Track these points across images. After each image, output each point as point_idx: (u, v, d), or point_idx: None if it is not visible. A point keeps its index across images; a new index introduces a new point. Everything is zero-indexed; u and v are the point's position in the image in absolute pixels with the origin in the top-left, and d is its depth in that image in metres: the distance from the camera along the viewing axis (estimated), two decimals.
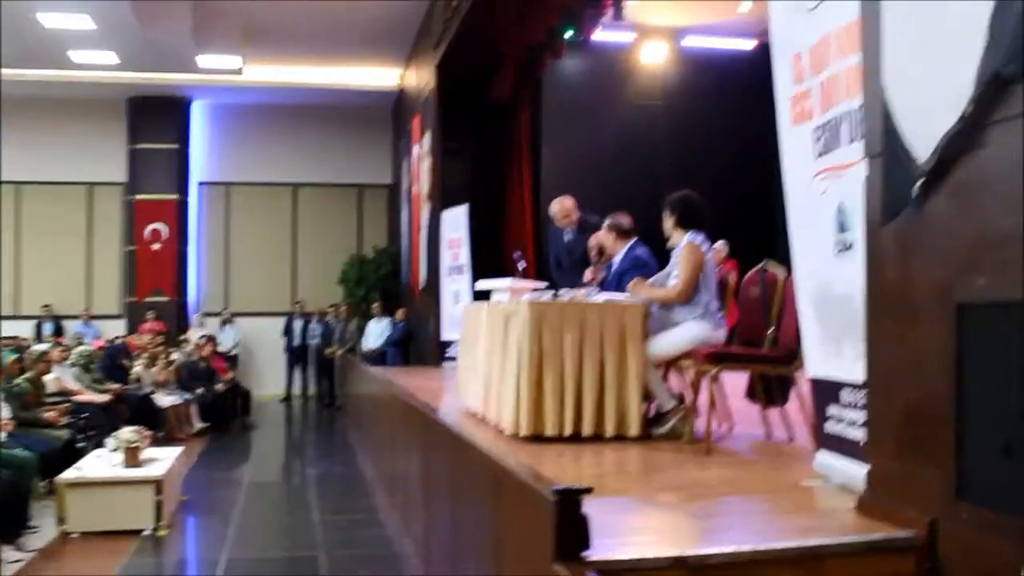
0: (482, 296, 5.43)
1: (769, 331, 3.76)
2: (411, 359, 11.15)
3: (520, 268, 5.54)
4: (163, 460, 5.75)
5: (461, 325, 5.30)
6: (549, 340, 3.74)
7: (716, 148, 10.85)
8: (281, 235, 14.28)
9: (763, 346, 3.80)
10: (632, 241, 4.74)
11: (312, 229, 14.33)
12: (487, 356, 4.31)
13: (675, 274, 3.95)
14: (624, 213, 4.79)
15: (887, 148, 2.21)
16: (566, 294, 4.08)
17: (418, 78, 11.62)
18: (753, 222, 9.98)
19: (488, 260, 9.49)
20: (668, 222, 4.01)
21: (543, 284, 5.09)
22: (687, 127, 11.15)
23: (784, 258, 3.29)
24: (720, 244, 8.31)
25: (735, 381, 4.14)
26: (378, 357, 11.27)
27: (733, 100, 10.71)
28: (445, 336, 9.67)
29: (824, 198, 2.69)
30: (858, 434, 2.56)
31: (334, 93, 13.34)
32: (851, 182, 2.53)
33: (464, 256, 9.43)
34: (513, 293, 4.61)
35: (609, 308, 3.81)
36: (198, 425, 9.72)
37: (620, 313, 3.81)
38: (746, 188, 10.36)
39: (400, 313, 11.89)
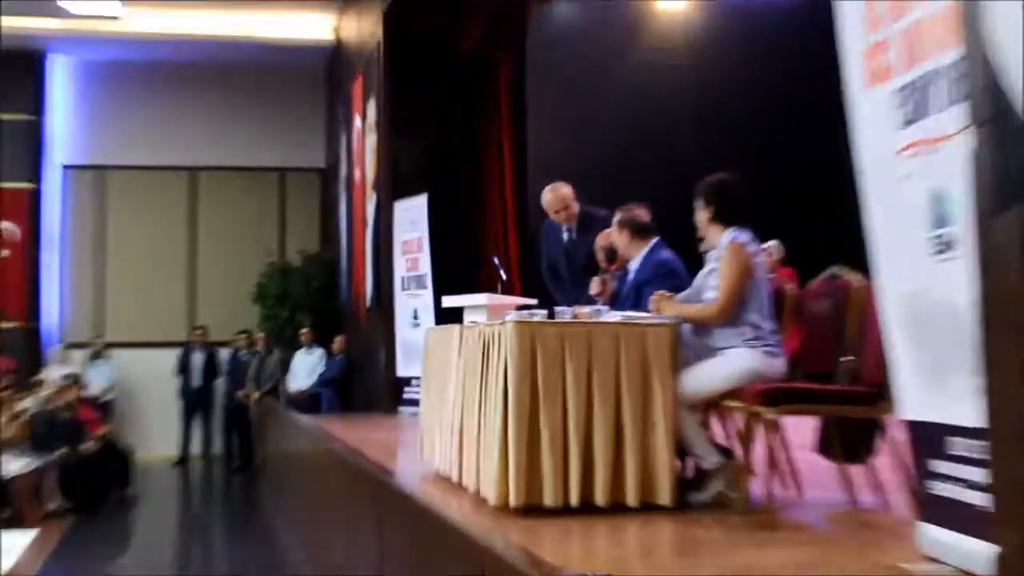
0: (451, 317, 5.48)
1: (844, 359, 3.79)
2: (354, 403, 11.18)
3: (502, 279, 5.55)
4: (7, 552, 5.63)
5: (423, 356, 5.34)
6: (546, 375, 3.76)
7: (760, 118, 10.89)
8: (174, 237, 14.27)
9: (837, 380, 3.82)
10: (653, 241, 4.79)
11: (217, 229, 14.34)
12: (460, 398, 4.35)
13: (713, 285, 3.96)
14: (640, 205, 4.85)
15: (997, 113, 2.18)
16: (565, 312, 4.09)
17: (359, 28, 11.65)
18: (814, 215, 10.03)
19: (457, 268, 9.55)
20: (702, 215, 4.03)
21: (532, 300, 5.14)
22: (720, 91, 11.16)
23: (858, 261, 3.31)
24: (773, 245, 8.37)
25: (801, 428, 4.14)
26: (309, 401, 11.23)
27: (782, 55, 10.70)
28: (401, 371, 9.74)
29: (912, 181, 2.66)
30: (976, 498, 2.51)
31: (246, 47, 13.33)
32: (949, 160, 2.47)
33: (424, 263, 9.51)
34: (492, 312, 4.67)
35: (626, 331, 3.84)
36: (57, 502, 9.61)
37: (641, 338, 3.84)
38: (803, 171, 10.40)
39: (338, 342, 11.89)
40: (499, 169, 10.34)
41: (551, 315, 4.11)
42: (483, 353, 4.06)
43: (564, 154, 10.25)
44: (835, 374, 3.84)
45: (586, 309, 4.21)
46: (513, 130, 10.37)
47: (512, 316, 4.12)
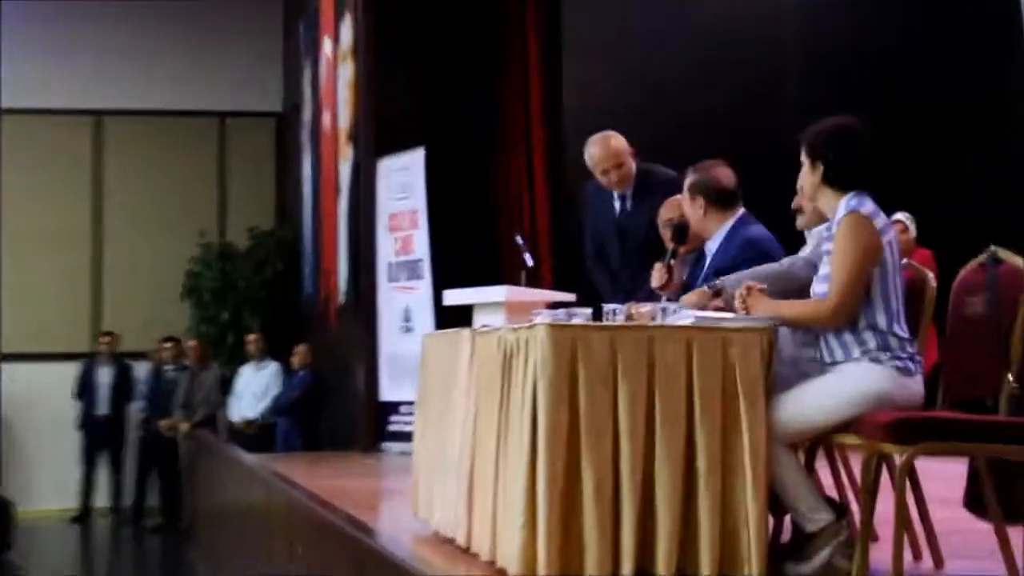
0: (456, 319, 5.52)
1: (1009, 378, 3.78)
2: (322, 438, 11.26)
3: (527, 265, 5.64)
4: None
5: (419, 374, 5.34)
6: (590, 399, 3.76)
7: (883, 58, 10.83)
8: (72, 206, 14.34)
9: (997, 409, 3.81)
10: (738, 213, 4.82)
11: (131, 196, 14.40)
12: (471, 431, 4.35)
13: (823, 274, 3.96)
14: (721, 163, 4.88)
15: None
16: (618, 312, 4.11)
17: None
18: (953, 181, 10.01)
19: (465, 252, 9.54)
20: (809, 176, 4.03)
21: (569, 295, 5.21)
22: (830, 22, 11.08)
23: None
24: (903, 217, 8.33)
25: (943, 475, 4.13)
26: (260, 435, 11.31)
27: None
28: (387, 394, 9.80)
29: None
30: None
31: None
32: None
33: (420, 244, 9.55)
34: (513, 312, 4.69)
35: (702, 339, 3.85)
36: None
37: (723, 348, 3.84)
38: (935, 118, 10.37)
39: (300, 353, 11.94)
40: (524, 115, 10.36)
41: (597, 315, 4.13)
42: (503, 370, 4.06)
43: (612, 98, 10.22)
44: (992, 400, 3.86)
45: (646, 307, 4.20)
46: (544, 63, 10.39)
47: (543, 317, 4.12)
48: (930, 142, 10.21)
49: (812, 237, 4.49)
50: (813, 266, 4.20)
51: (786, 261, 4.42)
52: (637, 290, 5.65)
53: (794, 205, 4.46)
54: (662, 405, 3.79)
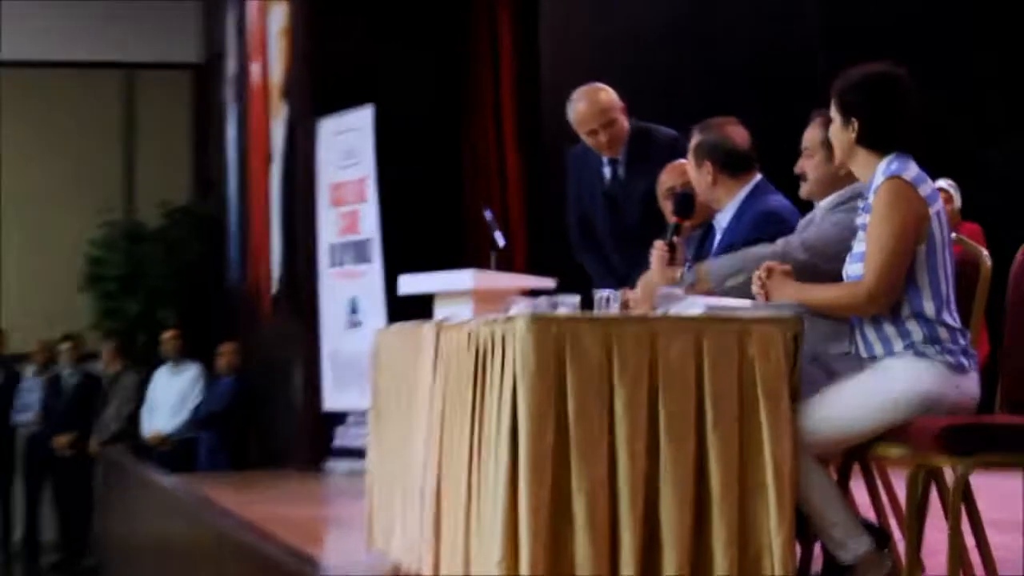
0: (414, 310, 5.52)
1: None
2: (253, 455, 11.23)
3: (497, 245, 5.66)
4: None
5: (371, 376, 5.37)
6: (581, 404, 3.76)
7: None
8: None
9: None
10: (754, 180, 4.84)
11: (20, 163, 14.32)
12: (437, 444, 4.36)
13: (859, 251, 3.96)
14: (732, 122, 4.88)
15: None
16: (612, 300, 4.12)
17: None
18: (1001, 144, 10.03)
19: (424, 230, 9.60)
20: (842, 137, 4.03)
21: (548, 281, 5.21)
22: None
23: None
24: (946, 185, 8.36)
25: (1003, 494, 4.21)
26: (178, 452, 11.26)
27: None
28: (331, 402, 9.85)
29: None
30: None
31: None
32: None
33: (369, 221, 9.59)
34: (482, 301, 4.72)
35: (714, 331, 3.87)
36: None
37: (739, 342, 3.86)
38: (979, 73, 10.41)
39: (226, 354, 11.88)
40: (493, 68, 10.37)
41: (587, 305, 4.12)
42: (476, 371, 4.05)
43: (597, 51, 10.23)
44: None
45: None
46: (517, 8, 10.39)
47: (521, 307, 4.11)
48: (973, 101, 10.25)
49: (818, 211, 4.47)
50: (816, 250, 4.21)
51: (781, 243, 4.39)
52: (632, 274, 5.59)
53: (797, 169, 4.45)
54: (667, 413, 3.79)
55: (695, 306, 4.00)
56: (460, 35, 10.52)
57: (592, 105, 5.98)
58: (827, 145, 4.44)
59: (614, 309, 4.08)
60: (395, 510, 4.82)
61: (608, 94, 6.02)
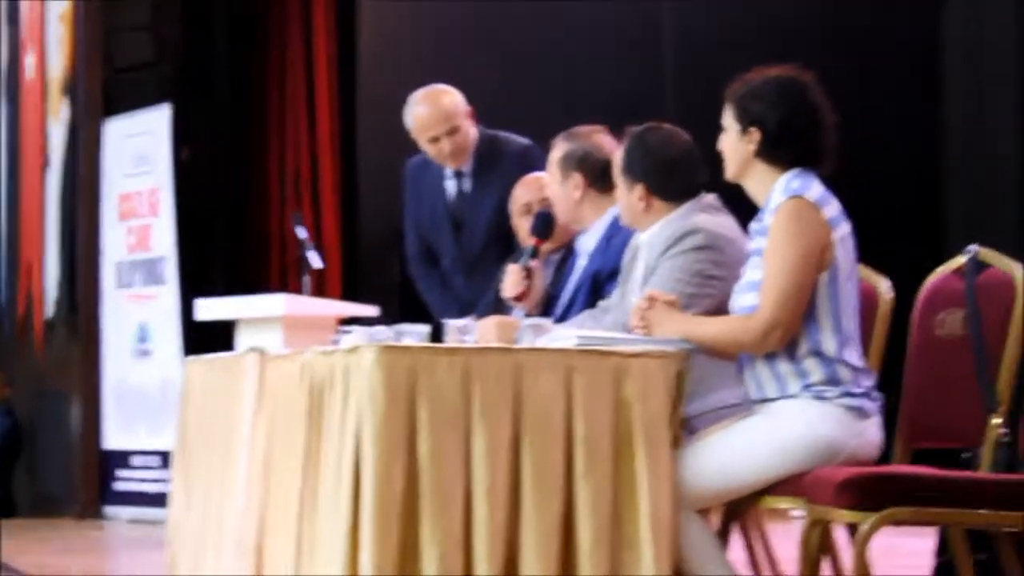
0: (212, 339, 5.56)
1: (994, 421, 3.83)
2: (23, 500, 10.92)
3: (311, 267, 5.72)
4: None
5: (179, 410, 5.28)
6: (435, 452, 3.73)
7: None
8: None
9: (974, 462, 3.87)
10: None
11: None
12: (259, 490, 4.33)
13: (752, 280, 3.95)
14: (601, 130, 4.87)
15: None
16: (466, 329, 4.12)
17: None
18: (917, 160, 10.18)
19: (224, 248, 9.77)
20: (739, 149, 4.01)
21: (369, 309, 5.23)
22: None
23: (1011, 240, 3.37)
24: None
25: (903, 551, 4.17)
26: None
27: None
28: (112, 441, 9.75)
29: None
30: None
31: None
32: None
33: (163, 237, 9.49)
34: (293, 330, 4.75)
35: (588, 368, 3.86)
36: None
37: (614, 380, 3.86)
38: (897, 80, 10.59)
39: None
40: (306, 64, 10.37)
41: (436, 336, 4.11)
42: (310, 409, 4.03)
43: (427, 44, 10.14)
44: (970, 452, 3.94)
45: (503, 323, 4.31)
46: None
47: (359, 337, 4.09)
48: (870, 113, 10.42)
49: (641, 251, 4.42)
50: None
51: (600, 307, 4.43)
52: (477, 300, 5.66)
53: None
54: (532, 459, 3.77)
55: (566, 338, 3.96)
56: (267, 27, 10.50)
57: (434, 109, 5.90)
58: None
59: (469, 341, 4.04)
60: (204, 567, 4.70)
61: (452, 97, 5.94)
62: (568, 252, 5.01)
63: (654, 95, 9.33)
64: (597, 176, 4.71)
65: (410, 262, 6.20)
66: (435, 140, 5.90)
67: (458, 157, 5.93)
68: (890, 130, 9.49)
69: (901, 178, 9.51)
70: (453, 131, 5.87)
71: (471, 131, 5.94)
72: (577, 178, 4.75)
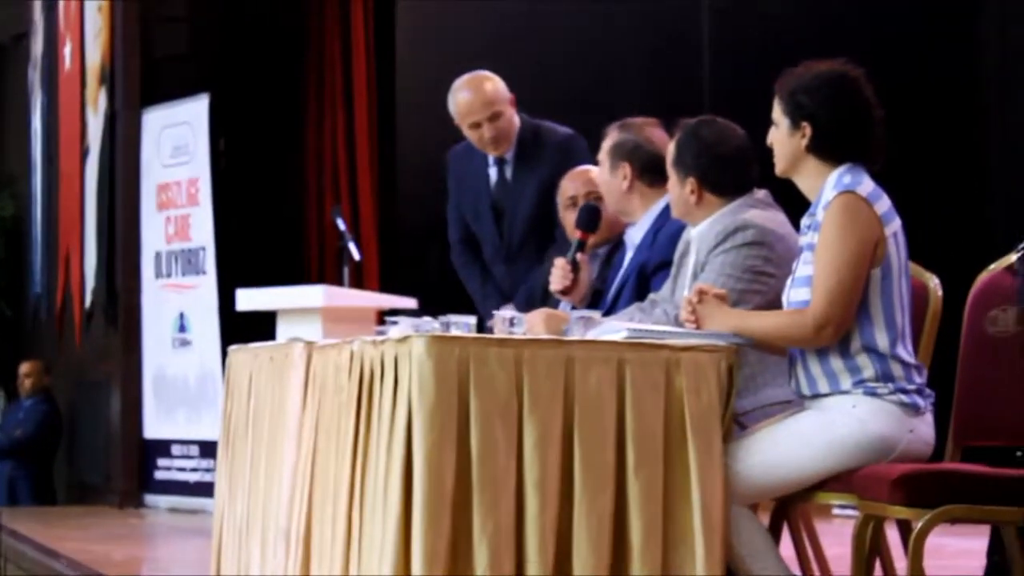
0: (252, 329, 5.51)
1: None
2: (61, 489, 11.03)
3: (352, 258, 5.84)
4: None
5: (224, 401, 5.28)
6: (486, 443, 3.71)
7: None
8: None
9: None
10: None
11: None
12: (307, 480, 4.31)
13: (804, 275, 3.94)
14: (655, 123, 4.85)
15: None
16: (515, 321, 4.09)
17: None
18: (954, 154, 10.12)
19: (263, 239, 9.71)
20: (789, 144, 3.99)
21: (408, 301, 5.28)
22: None
23: None
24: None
25: (956, 551, 4.16)
26: None
27: None
28: (152, 430, 9.78)
29: None
30: None
31: None
32: None
33: (202, 227, 9.50)
34: (332, 321, 4.78)
35: (639, 361, 3.84)
36: None
37: (666, 375, 3.84)
38: (933, 82, 10.53)
39: (28, 374, 11.64)
40: (343, 56, 10.35)
41: (481, 327, 4.15)
42: (359, 398, 3.99)
43: (468, 35, 10.12)
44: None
45: (547, 314, 4.32)
46: None
47: (406, 327, 4.07)
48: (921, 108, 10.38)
49: (692, 245, 4.41)
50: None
51: (661, 299, 4.40)
52: (515, 290, 5.69)
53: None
54: (583, 452, 3.75)
55: (617, 330, 3.95)
56: (306, 17, 10.52)
57: (476, 95, 5.92)
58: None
59: (519, 332, 4.03)
60: (250, 557, 4.70)
61: (495, 83, 5.97)
62: (615, 247, 5.01)
63: (691, 89, 9.31)
64: (646, 168, 4.71)
65: (452, 249, 6.22)
66: (476, 126, 5.92)
67: (500, 144, 5.95)
68: (935, 126, 9.46)
69: (947, 175, 9.48)
70: (495, 117, 5.89)
71: (513, 118, 5.96)
72: (626, 168, 4.74)
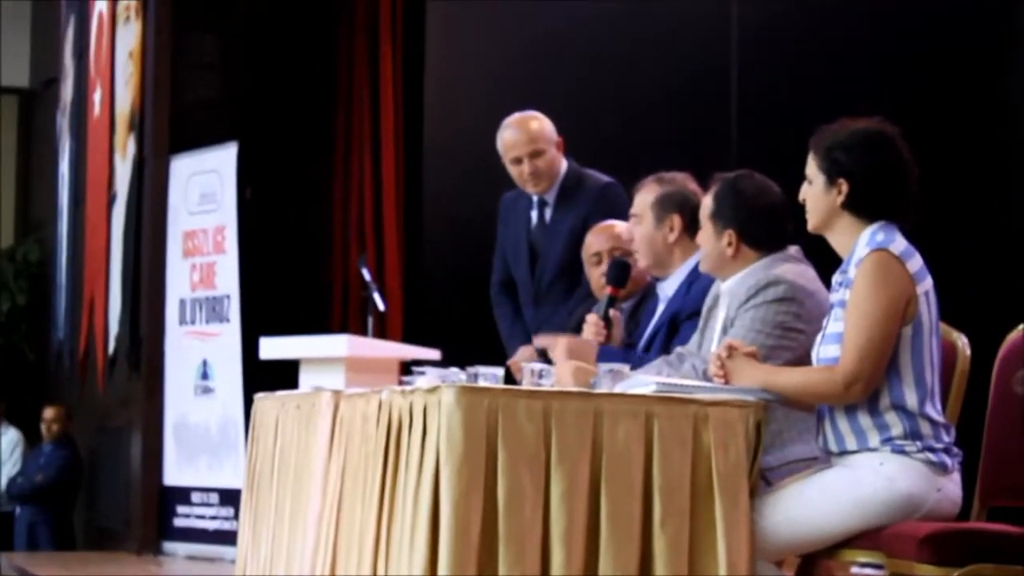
0: (275, 378, 5.52)
1: None
2: (82, 534, 11.00)
3: (376, 308, 5.89)
4: None
5: (248, 446, 5.29)
6: (513, 494, 3.70)
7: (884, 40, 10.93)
8: None
9: None
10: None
11: None
12: (331, 527, 4.31)
13: (835, 331, 3.94)
14: (689, 177, 4.86)
15: None
16: (543, 374, 4.09)
17: None
18: (994, 209, 10.07)
19: (288, 287, 9.68)
20: (824, 200, 3.99)
21: (431, 352, 5.26)
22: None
23: None
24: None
25: None
26: None
27: None
28: (173, 477, 9.75)
29: None
30: None
31: None
32: None
33: (228, 275, 9.52)
34: (356, 371, 4.80)
35: (668, 415, 3.84)
36: None
37: (693, 429, 3.84)
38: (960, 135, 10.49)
39: (50, 419, 11.62)
40: (372, 103, 10.35)
41: (508, 379, 4.17)
42: (387, 447, 4.00)
43: (496, 81, 10.13)
44: None
45: (575, 367, 4.26)
46: (400, 33, 10.35)
47: (433, 377, 4.07)
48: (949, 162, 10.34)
49: (722, 299, 4.41)
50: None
51: (688, 353, 4.39)
52: (540, 331, 5.66)
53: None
54: (610, 505, 3.75)
55: (645, 384, 3.94)
56: (333, 65, 10.53)
57: (520, 132, 6.02)
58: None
59: (547, 384, 4.03)
60: None
61: (541, 123, 6.07)
62: (639, 301, 5.02)
63: (718, 144, 9.34)
64: (692, 220, 4.67)
65: (491, 289, 6.28)
66: (517, 161, 6.00)
67: (539, 181, 6.01)
68: (965, 184, 9.44)
69: (977, 234, 9.45)
70: (536, 154, 5.96)
71: (557, 160, 6.04)
72: (675, 220, 4.74)
